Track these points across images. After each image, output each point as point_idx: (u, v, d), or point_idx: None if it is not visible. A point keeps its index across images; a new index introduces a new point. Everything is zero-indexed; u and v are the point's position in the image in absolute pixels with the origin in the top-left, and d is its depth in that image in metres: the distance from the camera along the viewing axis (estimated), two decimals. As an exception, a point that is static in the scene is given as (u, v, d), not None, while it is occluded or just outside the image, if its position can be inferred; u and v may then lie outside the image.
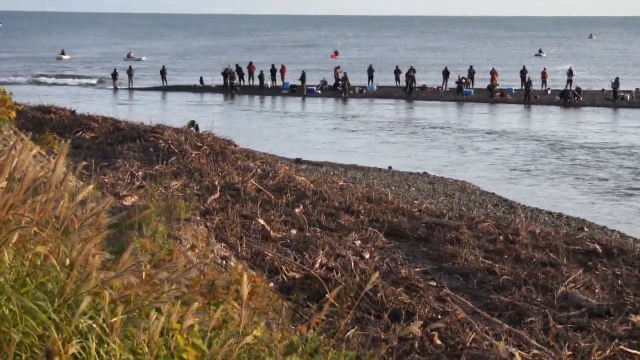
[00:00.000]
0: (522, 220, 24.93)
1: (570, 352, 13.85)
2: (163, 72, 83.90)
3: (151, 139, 28.79)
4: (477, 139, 49.51)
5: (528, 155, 43.14)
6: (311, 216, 22.27)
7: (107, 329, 4.95)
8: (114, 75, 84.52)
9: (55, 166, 6.08)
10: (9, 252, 5.34)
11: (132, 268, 5.31)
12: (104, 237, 6.10)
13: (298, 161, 37.63)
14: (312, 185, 26.07)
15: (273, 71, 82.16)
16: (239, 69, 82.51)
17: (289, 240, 19.44)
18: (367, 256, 19.11)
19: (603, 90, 73.78)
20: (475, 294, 17.34)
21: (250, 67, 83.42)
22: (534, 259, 19.61)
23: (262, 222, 20.25)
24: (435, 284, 17.60)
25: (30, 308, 4.82)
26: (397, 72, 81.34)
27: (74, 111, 33.79)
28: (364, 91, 76.90)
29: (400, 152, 44.85)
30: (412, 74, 75.77)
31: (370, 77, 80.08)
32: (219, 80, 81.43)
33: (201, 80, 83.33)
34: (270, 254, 17.37)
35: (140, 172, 24.63)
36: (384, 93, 76.22)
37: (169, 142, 28.34)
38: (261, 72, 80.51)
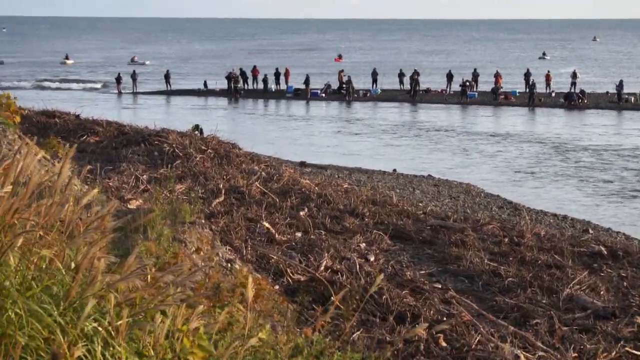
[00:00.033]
0: (527, 223, 24.91)
1: (575, 354, 13.84)
2: (167, 76, 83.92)
3: (156, 142, 28.82)
4: (481, 141, 49.48)
5: (532, 158, 43.10)
6: (316, 219, 22.27)
7: (112, 332, 4.96)
8: (118, 80, 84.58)
9: (61, 170, 6.08)
10: (15, 255, 5.34)
11: (137, 271, 5.32)
12: (109, 241, 6.09)
13: (302, 164, 37.63)
14: (316, 188, 26.07)
15: (277, 75, 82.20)
16: (243, 73, 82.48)
17: (294, 243, 19.44)
18: (372, 259, 19.12)
19: (607, 92, 73.65)
20: (481, 296, 17.33)
21: (254, 70, 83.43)
22: (539, 261, 19.60)
23: (267, 225, 20.26)
24: (440, 286, 17.59)
25: (36, 311, 4.82)
26: (401, 75, 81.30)
27: (78, 115, 33.84)
28: (368, 94, 76.91)
29: (405, 154, 44.84)
30: (416, 77, 75.73)
31: (374, 81, 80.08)
32: (223, 84, 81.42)
33: (205, 84, 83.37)
34: (275, 257, 17.37)
35: (145, 176, 24.65)
36: (388, 96, 76.16)
37: (174, 145, 28.37)
38: (265, 75, 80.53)
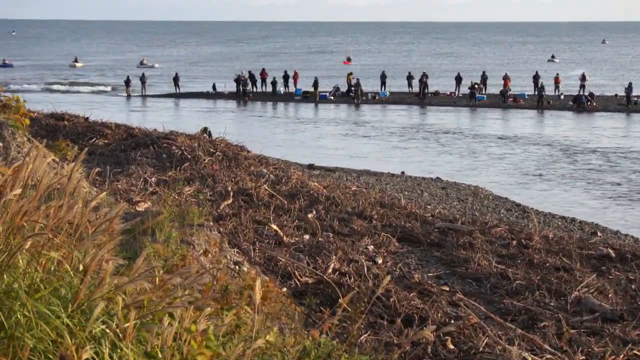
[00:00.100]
0: (535, 225, 24.89)
1: (583, 357, 13.84)
2: (176, 79, 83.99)
3: (164, 145, 28.85)
4: (489, 144, 49.45)
5: (541, 160, 43.05)
6: (324, 221, 22.28)
7: (120, 334, 4.98)
8: (127, 83, 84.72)
9: (71, 173, 6.12)
10: (24, 258, 5.38)
11: (145, 273, 5.34)
12: (117, 243, 6.12)
13: (311, 167, 37.64)
14: (325, 190, 26.09)
15: (286, 77, 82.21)
16: (251, 76, 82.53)
17: (301, 246, 19.45)
18: (380, 261, 19.13)
19: (616, 95, 73.48)
20: (489, 298, 17.33)
21: (263, 73, 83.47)
22: (547, 264, 19.61)
23: (275, 227, 20.28)
24: (448, 289, 17.60)
25: (44, 313, 4.85)
26: (409, 78, 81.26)
27: (87, 118, 33.89)
28: (377, 97, 76.86)
29: (413, 157, 44.83)
30: (424, 79, 75.74)
31: (383, 83, 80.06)
32: (232, 87, 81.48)
33: (214, 87, 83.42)
34: (283, 259, 17.39)
35: (153, 178, 24.69)
36: (397, 99, 76.14)
37: (182, 148, 28.40)
38: (274, 78, 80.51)
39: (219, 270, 10.61)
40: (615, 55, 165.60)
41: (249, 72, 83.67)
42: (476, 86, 74.07)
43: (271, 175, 26.94)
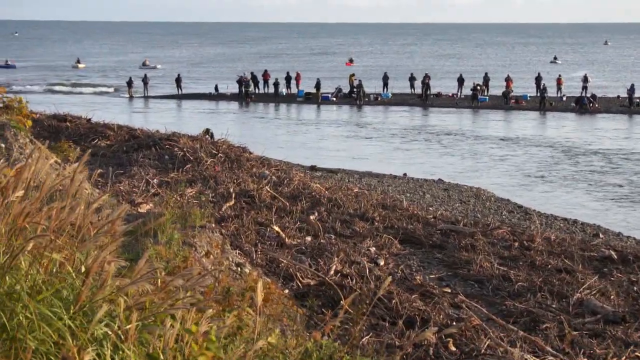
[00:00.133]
0: (537, 227, 24.90)
1: (585, 359, 13.83)
2: (178, 80, 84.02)
3: (166, 146, 28.86)
4: (491, 145, 49.47)
5: (543, 162, 43.06)
6: (326, 223, 22.28)
7: (122, 335, 4.99)
8: (129, 84, 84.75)
9: (74, 175, 6.13)
10: (26, 259, 5.38)
11: (147, 275, 5.35)
12: (119, 245, 6.13)
13: (313, 168, 37.64)
14: (327, 192, 26.10)
15: (288, 79, 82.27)
16: (254, 77, 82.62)
17: (303, 247, 19.44)
18: (382, 263, 19.12)
19: (618, 96, 73.50)
20: (490, 300, 17.32)
21: (265, 75, 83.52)
22: (549, 266, 19.59)
23: (277, 229, 20.27)
24: (450, 291, 17.59)
25: (46, 315, 4.86)
26: (412, 79, 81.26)
27: (89, 119, 33.89)
28: (379, 98, 76.86)
29: (415, 159, 44.85)
30: (427, 81, 75.78)
31: (385, 85, 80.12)
32: (234, 88, 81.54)
33: (216, 88, 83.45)
34: (285, 261, 17.38)
35: (155, 180, 24.70)
36: (399, 100, 76.17)
37: (184, 149, 28.40)
38: (276, 79, 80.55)
39: (220, 272, 10.61)
40: (618, 56, 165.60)
41: (252, 73, 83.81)
42: (478, 87, 74.10)
43: (273, 177, 26.95)
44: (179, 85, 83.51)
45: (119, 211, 6.12)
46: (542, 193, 35.06)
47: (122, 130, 32.13)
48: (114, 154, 28.85)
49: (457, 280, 18.89)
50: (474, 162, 43.73)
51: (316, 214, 23.04)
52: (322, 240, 20.25)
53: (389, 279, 7.41)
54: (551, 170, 40.47)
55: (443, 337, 13.65)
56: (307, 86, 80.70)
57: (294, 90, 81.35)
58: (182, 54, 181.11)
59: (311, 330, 10.72)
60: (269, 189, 24.80)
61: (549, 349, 13.97)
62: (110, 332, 4.95)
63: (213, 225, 15.15)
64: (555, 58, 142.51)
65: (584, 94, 72.31)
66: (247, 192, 24.35)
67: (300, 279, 16.67)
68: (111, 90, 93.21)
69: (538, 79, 76.17)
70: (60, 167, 12.87)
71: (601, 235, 26.04)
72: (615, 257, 20.84)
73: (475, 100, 72.20)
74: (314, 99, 76.59)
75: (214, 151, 28.99)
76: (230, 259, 13.71)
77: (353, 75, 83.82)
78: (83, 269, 5.43)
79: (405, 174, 37.94)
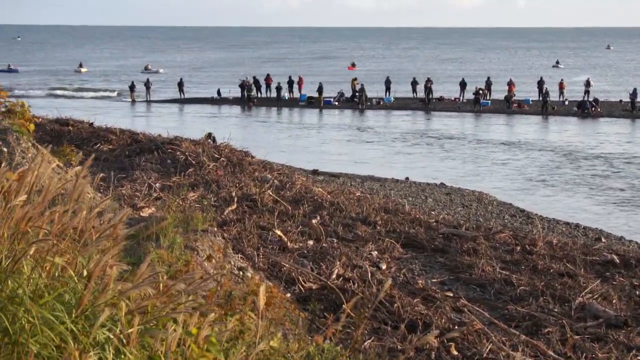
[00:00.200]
0: (539, 231, 24.90)
1: (587, 363, 13.84)
2: (181, 85, 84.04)
3: (169, 150, 28.85)
4: (493, 149, 49.49)
5: (545, 166, 43.07)
6: (328, 227, 22.28)
7: (124, 339, 5.00)
8: (132, 88, 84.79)
9: (77, 179, 6.14)
10: (28, 263, 5.39)
11: (149, 279, 5.35)
12: (121, 249, 6.13)
13: (315, 172, 37.66)
14: (329, 196, 26.10)
15: (290, 83, 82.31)
16: (256, 81, 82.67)
17: (305, 251, 19.43)
18: (384, 267, 19.12)
19: (621, 101, 73.57)
20: (492, 304, 17.32)
21: (268, 79, 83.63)
22: (551, 270, 19.58)
23: (279, 233, 20.27)
24: (452, 295, 17.58)
25: (48, 319, 4.86)
26: (414, 83, 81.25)
27: (92, 123, 33.89)
28: (381, 102, 76.90)
29: (417, 163, 44.87)
30: (429, 85, 75.79)
31: (388, 89, 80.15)
32: (237, 93, 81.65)
33: (218, 92, 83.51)
34: (287, 265, 17.38)
35: (157, 184, 24.69)
36: (401, 104, 76.18)
37: (187, 153, 28.40)
38: (278, 84, 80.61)
39: (222, 276, 10.62)
40: (620, 61, 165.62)
41: (254, 77, 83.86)
42: (480, 92, 74.10)
43: (275, 181, 26.95)
44: (181, 90, 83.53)
45: (121, 215, 6.12)
46: (544, 197, 35.07)
47: (124, 134, 32.11)
48: (116, 158, 28.85)
49: (459, 284, 18.88)
50: (476, 166, 43.75)
51: (318, 217, 23.05)
52: (324, 244, 20.24)
53: (389, 281, 7.41)
54: (553, 174, 40.48)
55: (445, 341, 13.65)
56: (310, 90, 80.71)
57: (296, 94, 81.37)
58: (184, 58, 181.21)
59: (313, 334, 10.71)
60: (271, 193, 24.80)
61: (551, 353, 13.98)
62: (112, 336, 4.96)
63: (215, 229, 15.14)
64: (557, 62, 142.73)
65: (586, 98, 72.28)
66: (250, 196, 24.35)
67: (302, 282, 16.67)
68: (114, 94, 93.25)
69: (540, 83, 76.28)
70: (62, 171, 12.89)
71: (603, 240, 26.05)
72: (618, 261, 20.83)
73: (478, 104, 72.19)
74: (316, 103, 76.63)
75: (216, 155, 28.99)
76: (233, 263, 13.71)
77: (355, 79, 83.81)
78: (85, 273, 5.43)
79: (407, 178, 37.96)
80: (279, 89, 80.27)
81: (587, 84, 76.52)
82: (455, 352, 13.74)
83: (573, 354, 14.18)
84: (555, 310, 16.69)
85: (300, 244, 20.07)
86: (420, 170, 41.70)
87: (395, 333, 14.30)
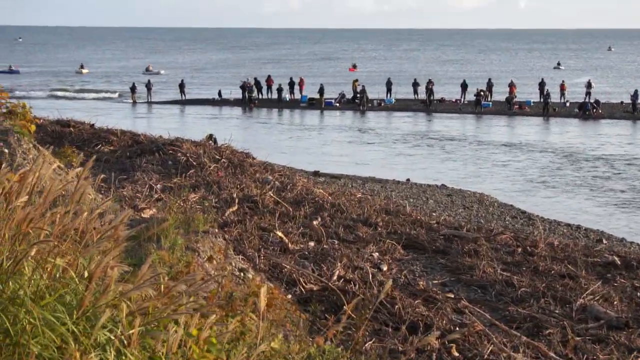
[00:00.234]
0: (540, 233, 24.88)
1: (588, 365, 13.84)
2: (182, 86, 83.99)
3: (170, 152, 28.85)
4: (495, 151, 49.47)
5: (546, 167, 43.05)
6: (329, 228, 22.28)
7: (125, 341, 5.00)
8: (133, 89, 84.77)
9: (79, 181, 6.14)
10: (29, 265, 5.39)
11: (150, 280, 5.35)
12: (122, 250, 6.14)
13: (316, 174, 37.64)
14: (330, 197, 26.09)
15: (291, 84, 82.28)
16: (257, 83, 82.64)
17: (307, 253, 19.43)
18: (385, 268, 19.12)
19: (622, 102, 73.54)
20: (494, 306, 17.32)
21: (269, 80, 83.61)
22: (553, 271, 19.58)
23: (280, 234, 20.27)
24: (453, 296, 17.59)
25: (49, 320, 4.86)
26: (415, 85, 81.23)
27: (93, 125, 33.88)
28: (382, 104, 76.88)
29: (418, 164, 44.85)
30: (430, 86, 75.75)
31: (389, 90, 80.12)
32: (238, 94, 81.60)
33: (220, 93, 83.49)
34: (288, 266, 17.38)
35: (158, 185, 24.69)
36: (402, 106, 76.15)
37: (188, 155, 28.39)
38: (279, 85, 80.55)
39: (223, 277, 10.61)
40: (621, 62, 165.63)
41: (255, 78, 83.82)
42: (482, 93, 74.08)
43: (276, 182, 26.94)
44: (182, 91, 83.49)
45: (122, 216, 6.13)
46: (545, 198, 35.05)
47: (125, 135, 32.10)
48: (117, 159, 28.84)
49: (460, 285, 18.88)
50: (477, 167, 43.74)
51: (319, 219, 23.04)
52: (325, 246, 20.24)
53: (390, 282, 7.42)
54: (554, 176, 40.45)
55: (446, 342, 13.64)
56: (311, 92, 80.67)
57: (297, 95, 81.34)
58: (185, 60, 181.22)
59: (314, 336, 10.71)
60: (272, 195, 24.80)
61: (552, 354, 13.97)
62: (113, 337, 4.96)
63: (216, 230, 15.14)
64: (558, 64, 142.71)
65: (587, 100, 72.27)
66: (251, 198, 24.35)
67: (304, 284, 16.67)
68: (115, 95, 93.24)
69: (541, 85, 76.24)
70: (63, 172, 12.88)
71: (604, 241, 26.03)
72: (619, 262, 20.84)
73: (479, 105, 72.18)
74: (317, 104, 76.59)
75: (217, 156, 28.99)
76: (234, 264, 13.72)
77: (356, 80, 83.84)
78: (86, 274, 5.43)
79: (408, 180, 37.95)
80: (280, 90, 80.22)
81: (588, 85, 76.52)
82: (457, 354, 13.73)
83: (574, 355, 14.18)
84: (557, 311, 16.69)
85: (301, 246, 20.07)
86: (422, 171, 41.69)
87: (396, 334, 14.30)
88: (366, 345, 13.09)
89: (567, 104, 73.37)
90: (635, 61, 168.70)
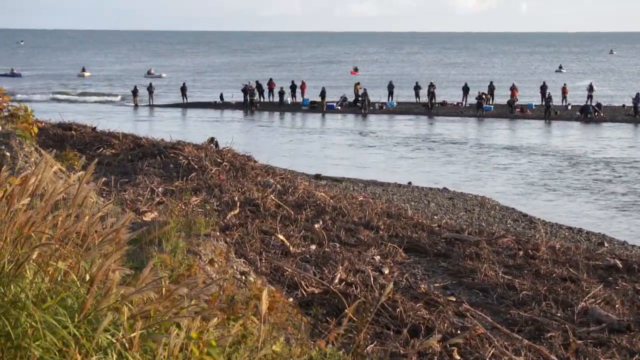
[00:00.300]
0: (542, 236, 24.87)
1: (590, 368, 13.83)
2: (183, 89, 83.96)
3: (171, 155, 28.87)
4: (496, 154, 49.45)
5: (547, 171, 43.04)
6: (331, 231, 22.27)
7: (126, 344, 5.00)
8: (134, 92, 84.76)
9: (80, 184, 6.15)
10: (30, 268, 5.39)
11: (152, 284, 5.36)
12: (124, 253, 6.14)
13: (318, 177, 37.65)
14: (331, 200, 26.10)
15: (293, 87, 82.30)
16: (259, 86, 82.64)
17: (308, 256, 19.43)
18: (386, 271, 19.12)
19: (624, 105, 73.50)
20: (495, 309, 17.31)
21: (270, 83, 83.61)
22: (554, 274, 19.58)
23: (281, 237, 20.27)
24: (454, 299, 17.58)
25: (51, 323, 4.87)
26: (417, 88, 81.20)
27: (94, 128, 33.92)
28: (384, 107, 76.87)
29: (420, 167, 44.85)
30: (432, 89, 75.74)
31: (390, 93, 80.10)
32: (239, 97, 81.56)
33: (221, 97, 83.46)
34: (289, 269, 17.38)
35: (160, 188, 24.70)
36: (404, 109, 76.16)
37: (189, 158, 28.42)
38: (281, 88, 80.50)
39: (225, 281, 10.62)
40: (623, 65, 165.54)
41: (257, 82, 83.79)
42: (483, 96, 74.10)
43: (278, 186, 26.96)
44: (184, 94, 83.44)
45: (124, 220, 6.13)
46: (546, 201, 35.05)
47: (127, 138, 32.13)
48: (119, 162, 28.86)
49: (461, 288, 18.88)
50: (479, 170, 43.73)
51: (321, 222, 23.04)
52: (326, 249, 20.25)
53: (391, 285, 7.42)
54: (555, 179, 40.44)
55: (448, 345, 13.64)
56: (312, 95, 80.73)
57: (299, 99, 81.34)
58: (187, 63, 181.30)
59: (315, 339, 10.72)
60: (273, 198, 24.80)
61: (553, 357, 13.97)
62: (114, 341, 4.96)
63: (218, 233, 15.14)
64: (560, 67, 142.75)
65: (589, 103, 72.31)
66: (252, 201, 24.35)
67: (305, 287, 16.67)
68: (117, 99, 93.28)
69: (543, 88, 76.29)
70: (65, 175, 12.89)
71: (606, 244, 26.04)
72: (621, 265, 20.84)
73: (480, 109, 72.17)
74: (319, 107, 76.64)
75: (218, 160, 29.01)
76: (235, 268, 13.71)
77: (358, 84, 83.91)
78: (88, 278, 5.43)
79: (410, 183, 37.94)
80: (281, 93, 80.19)
81: (590, 88, 76.55)
82: (458, 357, 13.73)
83: (576, 358, 14.18)
84: (558, 314, 16.69)
85: (303, 249, 20.08)
86: (423, 174, 41.68)
87: (397, 337, 14.30)
88: (368, 348, 13.09)
89: (569, 107, 73.32)
90: (637, 64, 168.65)
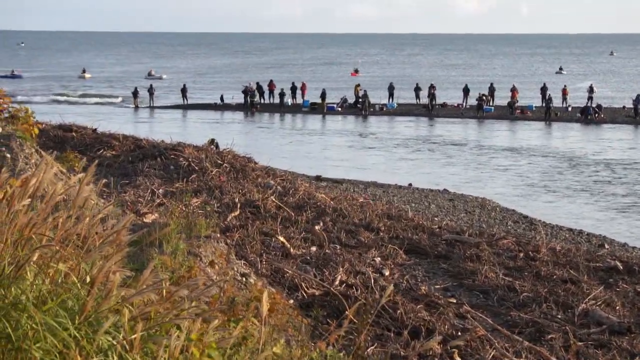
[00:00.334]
0: (542, 237, 24.85)
1: (590, 370, 13.82)
2: (184, 91, 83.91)
3: (172, 156, 28.88)
4: (496, 155, 49.44)
5: (547, 172, 43.03)
6: (331, 233, 22.26)
7: (127, 346, 4.99)
8: (135, 94, 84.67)
9: (81, 186, 6.15)
10: (31, 269, 5.39)
11: (152, 285, 5.35)
12: (124, 255, 6.13)
13: (318, 178, 37.64)
14: (332, 202, 26.09)
15: (293, 89, 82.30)
16: (259, 87, 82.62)
17: (308, 257, 19.42)
18: (387, 273, 19.11)
19: (624, 107, 73.47)
20: (496, 311, 17.30)
21: (271, 85, 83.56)
22: (555, 276, 19.57)
23: (282, 239, 20.26)
24: (455, 301, 17.57)
25: (51, 325, 4.86)
26: (417, 89, 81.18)
27: (95, 129, 33.95)
28: (384, 109, 76.86)
29: (420, 169, 44.84)
30: (432, 91, 75.75)
31: (391, 95, 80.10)
32: (240, 99, 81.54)
33: (222, 98, 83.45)
34: (290, 271, 17.37)
35: (160, 190, 24.71)
36: (404, 110, 76.15)
37: (190, 159, 28.42)
38: (282, 90, 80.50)
39: (225, 282, 10.61)
40: (624, 67, 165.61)
41: (257, 83, 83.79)
42: (484, 98, 74.07)
43: (278, 187, 26.95)
44: (184, 96, 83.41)
45: (124, 221, 6.13)
46: (546, 203, 35.04)
47: (127, 140, 32.15)
48: (119, 164, 28.88)
49: (462, 290, 18.87)
50: (479, 172, 43.73)
51: (321, 224, 23.03)
52: (327, 251, 20.24)
53: (391, 287, 7.42)
54: (556, 180, 40.44)
55: (448, 347, 13.64)
56: (313, 96, 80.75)
57: (299, 100, 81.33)
58: (187, 64, 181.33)
59: (316, 341, 10.71)
60: (274, 199, 24.79)
61: (554, 359, 13.96)
62: (115, 343, 4.96)
63: (218, 235, 15.15)
64: (560, 68, 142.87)
65: (589, 105, 72.26)
66: (252, 202, 24.35)
67: (305, 289, 16.66)
68: (118, 100, 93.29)
69: (543, 90, 76.31)
70: (65, 176, 12.89)
71: (607, 246, 26.03)
72: (621, 267, 20.82)
73: (481, 110, 72.16)
74: (320, 109, 76.65)
75: (219, 161, 29.01)
76: (235, 269, 13.71)
77: (358, 85, 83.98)
78: (88, 279, 5.43)
79: (410, 184, 37.93)
80: (282, 95, 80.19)
81: (591, 90, 76.58)
82: (459, 359, 13.72)
83: (576, 360, 14.17)
84: (559, 316, 16.68)
85: (303, 250, 20.07)
86: (423, 176, 41.66)
87: (398, 339, 14.29)
88: (368, 350, 13.09)
89: (569, 109, 73.31)
90: (638, 66, 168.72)
